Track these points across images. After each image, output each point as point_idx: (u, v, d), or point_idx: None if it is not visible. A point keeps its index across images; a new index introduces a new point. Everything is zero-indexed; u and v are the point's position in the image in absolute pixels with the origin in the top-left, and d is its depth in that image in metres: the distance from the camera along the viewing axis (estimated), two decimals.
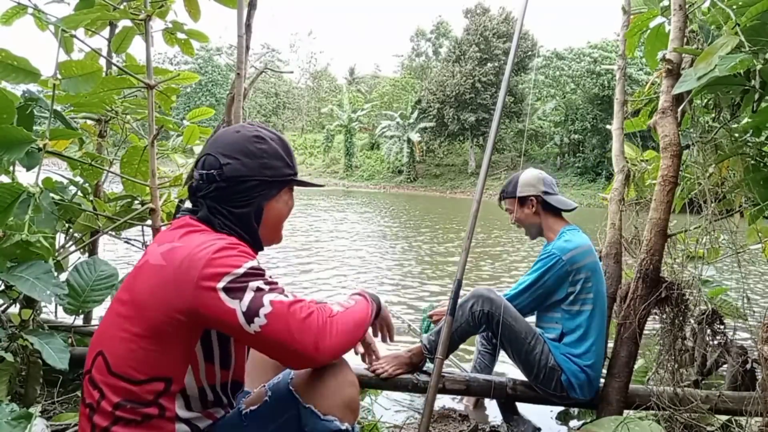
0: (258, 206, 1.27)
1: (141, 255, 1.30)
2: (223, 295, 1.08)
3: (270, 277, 1.17)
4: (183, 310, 1.09)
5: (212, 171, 1.22)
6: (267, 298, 1.10)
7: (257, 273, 1.13)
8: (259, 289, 1.11)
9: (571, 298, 2.18)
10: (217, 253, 1.10)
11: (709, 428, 2.16)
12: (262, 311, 1.09)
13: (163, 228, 2.35)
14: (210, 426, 1.23)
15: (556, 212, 2.35)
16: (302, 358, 1.13)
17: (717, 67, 1.72)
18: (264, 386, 1.29)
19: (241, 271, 1.10)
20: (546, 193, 2.32)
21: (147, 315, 1.12)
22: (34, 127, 1.92)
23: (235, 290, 1.09)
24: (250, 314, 1.08)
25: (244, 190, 1.24)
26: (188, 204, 1.37)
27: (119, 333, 1.14)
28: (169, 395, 1.14)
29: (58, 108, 2.16)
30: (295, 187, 1.38)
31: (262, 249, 1.32)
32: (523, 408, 2.48)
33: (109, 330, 1.17)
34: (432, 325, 2.38)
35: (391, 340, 1.57)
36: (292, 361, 1.16)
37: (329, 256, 8.31)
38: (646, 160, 2.80)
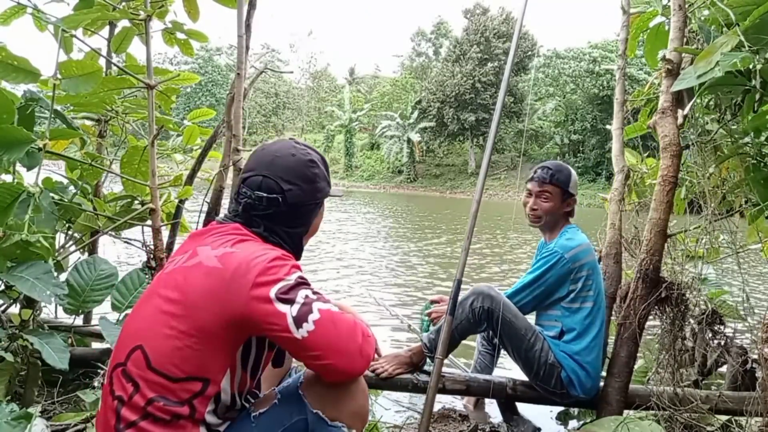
0: (310, 225, 1.38)
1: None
2: (275, 300, 1.14)
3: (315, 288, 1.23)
4: (234, 311, 1.13)
5: (274, 195, 1.27)
6: (316, 306, 1.18)
7: (306, 283, 1.21)
8: (308, 297, 1.18)
9: (572, 296, 2.18)
10: (272, 262, 1.18)
11: (709, 428, 2.16)
12: (311, 317, 1.16)
13: (163, 227, 2.35)
14: (224, 428, 1.24)
15: (570, 216, 2.36)
16: (346, 361, 1.19)
17: (717, 65, 1.72)
18: (274, 389, 1.32)
19: (292, 280, 1.18)
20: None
21: (197, 314, 1.14)
22: (35, 127, 1.92)
23: (286, 297, 1.15)
24: (300, 319, 1.15)
25: (303, 214, 1.34)
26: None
27: (164, 330, 1.15)
28: (203, 397, 1.16)
29: (59, 108, 2.16)
30: None
31: (300, 258, 1.39)
32: (523, 408, 2.48)
33: (152, 326, 1.18)
34: (431, 324, 2.38)
35: None
36: (335, 364, 1.19)
37: (339, 258, 8.29)
38: (648, 167, 2.79)
